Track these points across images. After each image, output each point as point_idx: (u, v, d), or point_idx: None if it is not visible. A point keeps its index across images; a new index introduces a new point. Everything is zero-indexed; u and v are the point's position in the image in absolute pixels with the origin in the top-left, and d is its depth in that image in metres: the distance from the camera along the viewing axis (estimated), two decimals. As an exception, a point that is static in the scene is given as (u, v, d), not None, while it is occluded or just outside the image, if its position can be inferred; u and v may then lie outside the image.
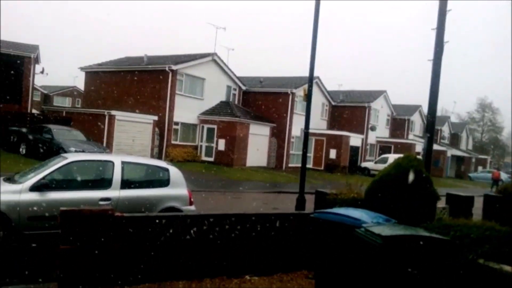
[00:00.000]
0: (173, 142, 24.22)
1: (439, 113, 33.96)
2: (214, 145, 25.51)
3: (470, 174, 44.43)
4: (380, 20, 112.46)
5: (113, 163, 7.09)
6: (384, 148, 36.03)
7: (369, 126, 34.87)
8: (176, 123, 24.38)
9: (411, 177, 5.14)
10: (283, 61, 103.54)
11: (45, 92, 48.62)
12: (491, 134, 70.62)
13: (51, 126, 18.08)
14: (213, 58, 26.20)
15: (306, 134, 10.31)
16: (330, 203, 6.82)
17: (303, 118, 16.68)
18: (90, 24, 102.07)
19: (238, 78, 28.51)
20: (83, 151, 14.67)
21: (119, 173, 7.01)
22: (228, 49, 31.11)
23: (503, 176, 34.59)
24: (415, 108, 42.53)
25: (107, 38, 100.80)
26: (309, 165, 27.32)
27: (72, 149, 15.04)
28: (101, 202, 6.55)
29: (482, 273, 4.17)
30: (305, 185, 10.71)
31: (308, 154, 17.47)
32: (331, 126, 33.65)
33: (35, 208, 6.25)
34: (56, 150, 15.09)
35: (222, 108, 26.42)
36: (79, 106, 41.31)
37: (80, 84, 38.60)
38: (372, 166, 30.23)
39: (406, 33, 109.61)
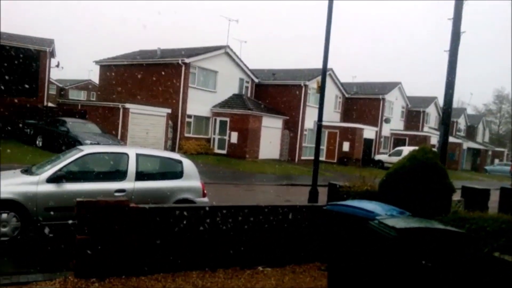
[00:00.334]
0: (186, 135, 24.37)
1: (455, 104, 33.37)
2: (226, 137, 25.58)
3: (486, 167, 43.67)
4: (395, 11, 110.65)
5: (127, 155, 7.18)
6: (399, 140, 35.62)
7: (383, 118, 34.48)
8: (189, 116, 24.50)
9: (425, 169, 5.08)
10: (296, 53, 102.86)
11: (61, 85, 49.28)
12: (508, 126, 69.17)
13: (67, 119, 18.35)
14: (225, 51, 26.17)
15: (320, 126, 10.26)
16: (343, 195, 6.80)
17: (316, 111, 16.58)
18: (104, 18, 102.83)
19: (250, 70, 28.45)
20: (98, 144, 14.86)
21: (134, 165, 7.09)
22: (240, 42, 31.07)
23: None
24: (430, 100, 41.84)
25: (121, 31, 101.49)
26: (322, 157, 27.20)
27: (88, 141, 15.25)
28: (116, 194, 6.65)
29: (497, 266, 4.12)
30: (318, 177, 10.67)
31: (321, 147, 17.34)
32: (344, 118, 33.37)
33: (51, 199, 6.39)
34: (71, 142, 15.33)
35: (235, 100, 26.43)
36: (94, 99, 41.79)
37: (95, 78, 39.05)
38: (386, 159, 29.94)
39: (422, 24, 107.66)
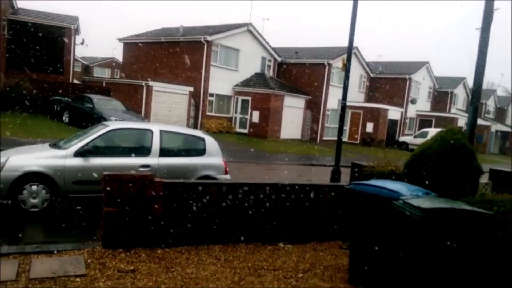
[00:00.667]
0: (207, 113, 24.48)
1: (484, 86, 32.14)
2: (248, 117, 25.57)
3: (515, 151, 42.32)
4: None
5: (152, 131, 7.27)
6: (424, 121, 34.81)
7: (409, 99, 33.66)
8: (211, 95, 24.54)
9: (453, 150, 4.95)
10: (320, 31, 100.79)
11: (85, 63, 50.03)
12: (540, 109, 66.40)
13: (92, 96, 18.67)
14: (248, 29, 25.86)
15: (344, 105, 10.09)
16: (366, 175, 6.72)
17: (339, 90, 16.30)
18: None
19: (273, 49, 28.08)
20: (123, 120, 15.10)
21: (158, 141, 7.19)
22: (263, 19, 30.59)
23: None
24: (459, 81, 40.47)
25: (144, 9, 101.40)
26: (345, 138, 26.90)
27: (113, 118, 15.50)
28: (141, 169, 6.77)
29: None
30: (340, 158, 10.57)
31: (344, 128, 17.13)
32: (368, 98, 32.73)
33: (79, 173, 6.57)
34: (97, 119, 15.63)
35: (257, 79, 26.26)
36: (118, 77, 42.32)
37: (119, 55, 39.40)
38: (410, 141, 29.38)
39: (452, 0, 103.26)
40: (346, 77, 10.08)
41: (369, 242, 4.48)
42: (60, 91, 21.42)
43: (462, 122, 31.69)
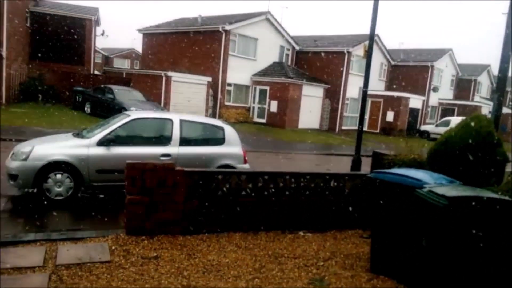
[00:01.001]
0: (226, 103, 24.51)
1: (509, 73, 31.18)
2: (266, 106, 25.49)
3: (542, 140, 40.99)
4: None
5: (172, 121, 7.33)
6: (447, 110, 34.03)
7: (431, 87, 32.91)
8: (229, 84, 24.53)
9: (479, 138, 4.82)
10: (339, 19, 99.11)
11: (106, 54, 50.63)
12: None
13: (113, 87, 18.94)
14: (266, 17, 25.63)
15: (365, 92, 9.93)
16: (388, 164, 6.63)
17: (359, 79, 16.01)
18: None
19: (291, 37, 27.79)
20: (143, 110, 15.27)
21: (178, 130, 7.25)
22: (282, 7, 30.20)
23: None
24: (483, 68, 39.29)
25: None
26: (364, 128, 26.48)
27: (133, 108, 15.71)
28: (162, 158, 6.85)
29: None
30: (361, 147, 10.45)
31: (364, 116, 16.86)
32: (389, 87, 32.13)
33: (102, 162, 6.69)
34: (118, 109, 15.86)
35: (275, 69, 26.08)
36: (137, 67, 42.70)
37: (138, 46, 39.71)
38: (432, 130, 28.78)
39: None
40: (368, 63, 9.90)
41: (391, 231, 4.43)
42: (81, 82, 21.80)
43: (485, 110, 30.81)
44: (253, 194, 5.72)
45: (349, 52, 27.09)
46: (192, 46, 25.27)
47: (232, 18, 25.09)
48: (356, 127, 10.73)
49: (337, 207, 6.19)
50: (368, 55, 9.85)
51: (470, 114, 6.20)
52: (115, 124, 7.11)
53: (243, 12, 26.70)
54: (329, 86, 27.52)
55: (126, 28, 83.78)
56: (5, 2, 17.42)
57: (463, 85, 38.02)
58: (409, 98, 29.95)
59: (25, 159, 6.41)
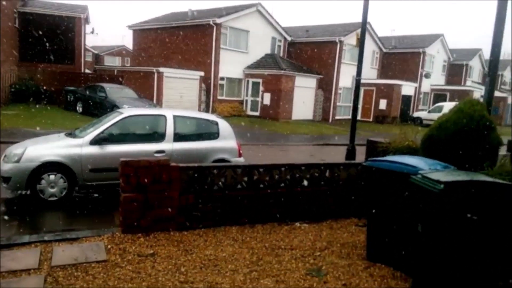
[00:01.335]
0: (219, 97, 24.42)
1: (501, 57, 31.21)
2: (259, 99, 25.43)
3: (533, 122, 41.28)
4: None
5: (165, 117, 7.28)
6: (439, 96, 34.14)
7: (423, 73, 32.96)
8: (222, 78, 24.42)
9: (472, 122, 4.83)
10: (330, 7, 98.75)
11: (96, 52, 50.18)
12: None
13: (104, 85, 18.78)
14: (257, 9, 25.47)
15: (358, 81, 9.89)
16: (382, 152, 6.63)
17: (351, 68, 15.96)
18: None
19: (283, 28, 27.66)
20: (136, 108, 15.18)
21: (172, 126, 7.20)
22: (272, -1, 29.99)
23: None
24: (474, 52, 39.38)
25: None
26: (358, 116, 26.58)
27: (126, 106, 15.58)
28: (156, 154, 6.81)
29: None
30: (355, 136, 10.44)
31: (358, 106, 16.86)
32: (381, 75, 32.15)
33: (95, 161, 6.64)
34: (110, 107, 15.75)
35: (267, 61, 25.98)
36: (128, 65, 42.37)
37: (129, 43, 39.38)
38: (425, 116, 28.89)
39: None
40: (361, 52, 9.85)
41: (387, 218, 4.44)
42: (72, 81, 21.59)
43: (477, 94, 30.91)
44: (248, 187, 5.70)
45: (341, 41, 27.03)
46: (183, 40, 25.09)
47: (223, 11, 24.89)
48: (350, 117, 10.72)
49: (333, 196, 6.20)
50: (361, 42, 9.80)
51: (463, 99, 6.20)
52: (108, 122, 7.05)
53: (233, 5, 26.53)
54: (322, 76, 27.48)
55: (116, 25, 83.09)
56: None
57: (455, 70, 38.12)
58: (401, 85, 30.00)
59: (18, 161, 6.34)
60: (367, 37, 28.32)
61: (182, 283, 3.97)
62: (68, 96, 20.18)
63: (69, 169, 6.53)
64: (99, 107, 17.18)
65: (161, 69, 21.37)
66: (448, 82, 36.91)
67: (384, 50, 32.23)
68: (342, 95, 28.81)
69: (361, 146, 9.42)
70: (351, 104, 17.87)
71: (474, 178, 3.63)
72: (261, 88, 25.20)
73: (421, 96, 34.08)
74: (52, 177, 6.46)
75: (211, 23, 23.17)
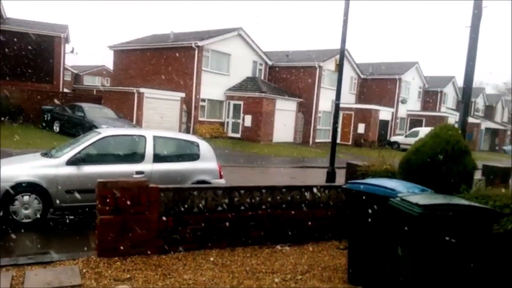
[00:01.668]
0: (200, 118, 24.42)
1: (473, 85, 32.45)
2: (240, 121, 25.55)
3: (504, 147, 42.74)
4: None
5: (145, 137, 7.20)
6: (415, 121, 35.09)
7: (400, 99, 33.91)
8: (203, 100, 24.49)
9: (448, 147, 4.97)
10: (310, 34, 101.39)
11: (75, 71, 49.71)
12: (529, 105, 67.16)
13: (83, 105, 18.53)
14: (238, 33, 25.91)
15: (337, 105, 10.11)
16: (361, 175, 6.72)
17: (330, 93, 16.30)
18: (117, 2, 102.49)
19: (264, 52, 28.16)
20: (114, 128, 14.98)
21: (151, 147, 7.12)
22: (254, 24, 30.59)
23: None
24: (448, 80, 40.91)
25: (135, 16, 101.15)
26: (337, 140, 26.98)
27: (104, 126, 15.35)
28: (135, 175, 6.70)
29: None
30: (335, 159, 10.57)
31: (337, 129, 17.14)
32: (359, 100, 32.93)
33: (72, 182, 6.47)
34: (88, 127, 15.50)
35: (248, 83, 26.28)
36: (108, 85, 42.07)
37: (109, 63, 39.19)
38: (402, 140, 29.55)
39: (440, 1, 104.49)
40: (340, 74, 10.09)
41: (367, 241, 4.46)
42: (50, 100, 21.22)
43: (452, 120, 31.94)
44: (229, 209, 5.65)
45: (320, 67, 27.65)
46: (164, 62, 25.18)
47: (205, 34, 25.22)
48: (329, 140, 10.88)
49: (314, 219, 6.21)
50: (340, 67, 10.06)
51: (438, 124, 6.39)
52: (86, 142, 6.92)
53: (215, 28, 26.91)
54: (302, 100, 27.92)
55: (97, 45, 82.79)
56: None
57: (430, 97, 39.40)
58: (379, 110, 30.73)
59: (-10, 181, 6.12)
60: (346, 63, 29.12)
61: (160, 309, 3.85)
62: (45, 115, 19.79)
63: (44, 190, 6.34)
64: (77, 127, 16.89)
65: (142, 90, 21.29)
66: (423, 108, 38.05)
67: (362, 76, 33.13)
68: (321, 118, 29.27)
69: (341, 169, 9.53)
70: (330, 128, 18.14)
71: (452, 202, 3.71)
72: (242, 110, 25.35)
73: (398, 121, 34.94)
74: (26, 198, 6.25)
75: (193, 45, 23.39)
